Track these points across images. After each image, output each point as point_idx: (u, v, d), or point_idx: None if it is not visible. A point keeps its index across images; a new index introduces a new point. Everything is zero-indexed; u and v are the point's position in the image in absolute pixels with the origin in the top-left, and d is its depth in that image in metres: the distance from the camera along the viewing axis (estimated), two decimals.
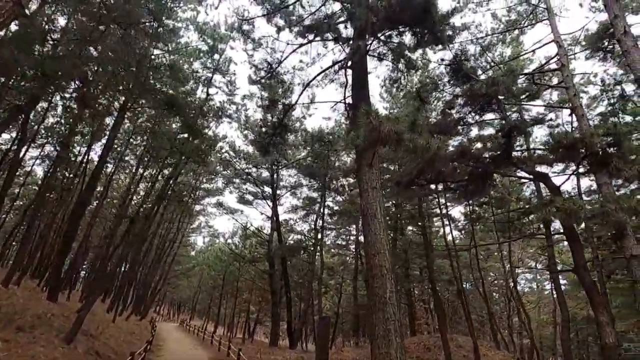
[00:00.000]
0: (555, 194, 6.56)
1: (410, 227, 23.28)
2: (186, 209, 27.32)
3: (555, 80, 14.90)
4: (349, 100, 10.03)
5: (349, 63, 8.21)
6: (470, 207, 20.74)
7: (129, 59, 10.11)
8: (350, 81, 10.12)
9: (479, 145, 7.49)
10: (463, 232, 27.32)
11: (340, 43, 8.71)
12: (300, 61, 12.97)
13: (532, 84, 12.13)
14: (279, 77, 12.81)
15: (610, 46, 8.82)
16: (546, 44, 13.08)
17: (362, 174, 6.12)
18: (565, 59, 11.58)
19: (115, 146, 22.96)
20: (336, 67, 10.56)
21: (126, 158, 25.86)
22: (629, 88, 14.05)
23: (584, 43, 14.61)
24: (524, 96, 12.83)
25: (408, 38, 8.01)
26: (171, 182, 16.35)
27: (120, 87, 10.71)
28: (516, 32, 14.61)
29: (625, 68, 14.89)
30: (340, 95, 12.95)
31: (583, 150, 6.05)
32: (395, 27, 7.25)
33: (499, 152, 7.48)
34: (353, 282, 25.47)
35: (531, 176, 7.61)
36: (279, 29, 9.54)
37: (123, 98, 14.43)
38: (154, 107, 13.42)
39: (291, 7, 11.22)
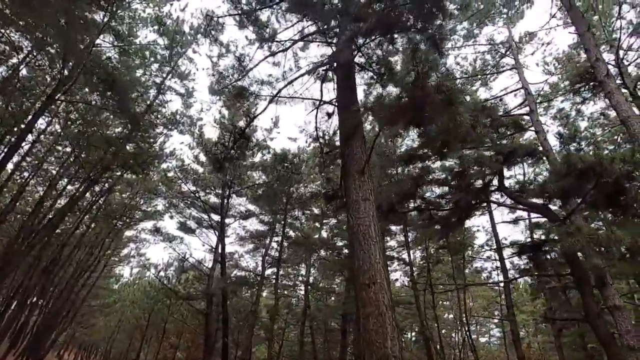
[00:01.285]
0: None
1: None
2: (114, 232, 23.67)
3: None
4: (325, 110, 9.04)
5: (335, 65, 7.25)
6: (427, 250, 20.27)
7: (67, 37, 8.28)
8: (324, 95, 9.19)
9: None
10: (411, 278, 26.74)
11: (328, 38, 7.80)
12: (270, 75, 11.88)
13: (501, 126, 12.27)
14: (246, 90, 11.65)
15: (587, 91, 8.93)
16: (513, 91, 13.61)
17: (350, 183, 4.87)
18: (534, 105, 11.89)
19: (37, 151, 19.58)
20: (312, 77, 9.69)
21: (50, 168, 22.17)
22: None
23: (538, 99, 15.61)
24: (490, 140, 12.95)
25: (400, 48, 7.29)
26: (98, 192, 13.73)
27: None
28: (485, 77, 15.13)
29: (569, 126, 16.07)
30: (310, 126, 12.01)
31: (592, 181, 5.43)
32: (390, 30, 6.47)
33: (490, 179, 6.73)
34: (300, 327, 23.09)
35: (526, 208, 6.95)
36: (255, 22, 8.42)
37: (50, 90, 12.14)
38: (88, 99, 11.31)
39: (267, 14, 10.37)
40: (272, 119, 17.40)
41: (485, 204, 8.46)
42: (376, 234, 4.40)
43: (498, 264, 17.30)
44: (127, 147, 11.62)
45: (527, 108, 11.85)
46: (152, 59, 14.29)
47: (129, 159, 11.82)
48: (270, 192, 14.25)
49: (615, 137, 14.84)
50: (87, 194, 18.65)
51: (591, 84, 8.56)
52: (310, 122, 12.95)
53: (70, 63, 9.16)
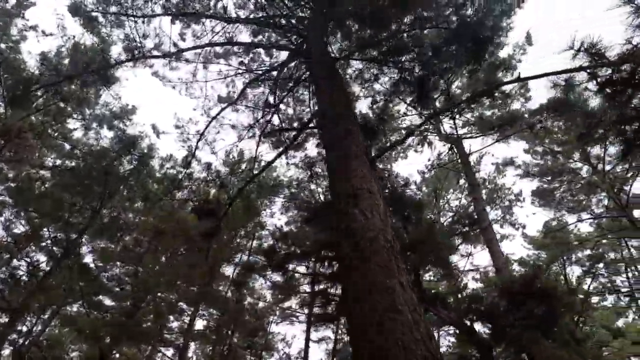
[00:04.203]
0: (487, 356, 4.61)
1: None
2: None
3: None
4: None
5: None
6: None
7: None
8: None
9: None
10: None
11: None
12: (180, 37, 9.06)
13: None
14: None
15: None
16: None
17: (352, 166, 2.46)
18: None
19: None
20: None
21: None
22: None
23: None
24: None
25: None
26: None
27: None
28: None
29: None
30: (191, 126, 8.89)
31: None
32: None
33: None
34: None
35: (449, 323, 5.64)
36: None
37: None
38: None
39: None
40: (126, 105, 12.80)
41: None
42: (400, 255, 2.05)
43: None
44: None
45: None
46: None
47: None
48: (84, 176, 9.00)
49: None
50: None
51: (474, 227, 9.19)
52: (198, 121, 9.89)
53: None
